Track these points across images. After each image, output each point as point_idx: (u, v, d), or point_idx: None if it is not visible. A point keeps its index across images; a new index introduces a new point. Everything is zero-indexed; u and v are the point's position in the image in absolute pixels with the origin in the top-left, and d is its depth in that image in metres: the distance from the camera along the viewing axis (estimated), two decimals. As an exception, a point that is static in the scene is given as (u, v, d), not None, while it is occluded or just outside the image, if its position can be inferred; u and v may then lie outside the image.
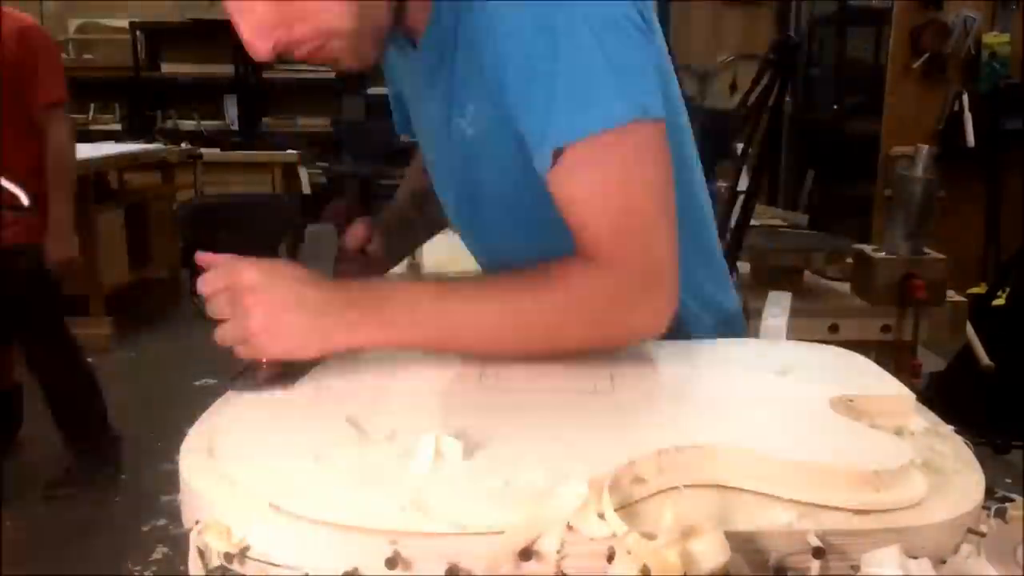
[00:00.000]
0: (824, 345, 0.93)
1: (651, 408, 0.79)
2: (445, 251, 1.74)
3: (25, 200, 2.46)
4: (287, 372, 0.80)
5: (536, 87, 0.79)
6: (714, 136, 2.49)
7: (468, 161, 0.95)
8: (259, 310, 0.78)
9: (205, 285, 0.80)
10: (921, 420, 0.74)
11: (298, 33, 0.82)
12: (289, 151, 6.12)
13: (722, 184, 2.39)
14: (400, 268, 1.57)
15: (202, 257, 0.82)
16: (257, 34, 0.81)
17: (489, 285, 0.86)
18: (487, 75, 0.85)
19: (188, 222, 3.37)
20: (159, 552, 2.45)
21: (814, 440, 0.69)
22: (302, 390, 0.80)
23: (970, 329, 2.64)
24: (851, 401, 0.75)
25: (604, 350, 0.84)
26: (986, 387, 2.74)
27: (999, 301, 3.11)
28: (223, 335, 0.81)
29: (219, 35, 6.46)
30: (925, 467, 0.65)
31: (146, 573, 2.39)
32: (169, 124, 6.55)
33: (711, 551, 0.54)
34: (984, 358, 2.69)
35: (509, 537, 0.56)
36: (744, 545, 0.57)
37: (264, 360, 0.80)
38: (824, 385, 0.80)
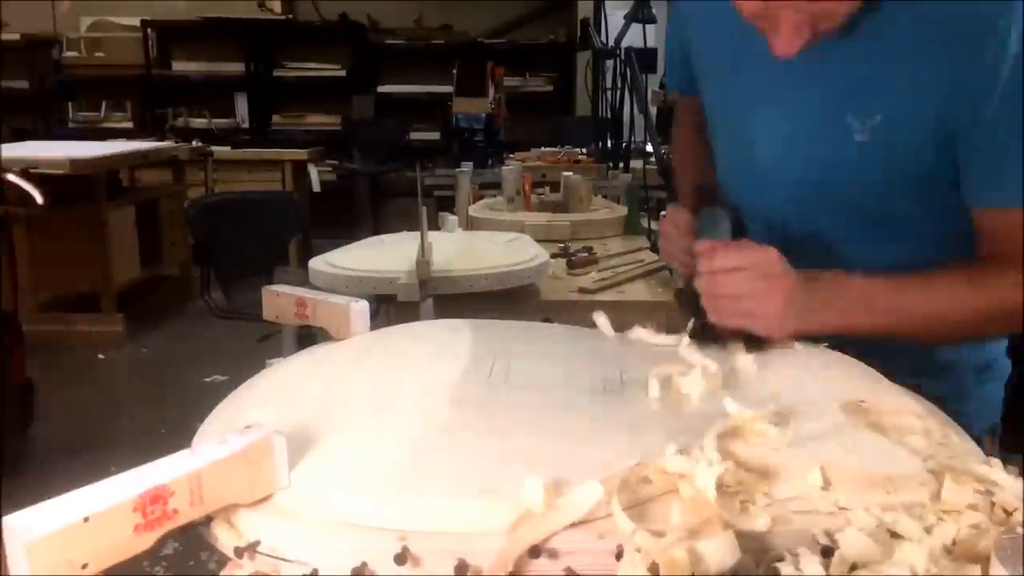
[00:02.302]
0: (818, 347, 0.92)
1: (660, 407, 0.79)
2: (454, 250, 1.75)
3: (39, 198, 2.46)
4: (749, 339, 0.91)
5: None
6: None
7: (839, 164, 0.97)
8: (782, 296, 0.87)
9: (719, 262, 0.88)
10: (932, 421, 0.74)
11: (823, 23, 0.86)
12: (299, 149, 6.13)
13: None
14: (408, 265, 1.57)
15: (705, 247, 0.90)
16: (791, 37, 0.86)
17: (932, 282, 0.91)
18: (924, 86, 0.88)
19: (198, 220, 3.38)
20: (170, 547, 2.46)
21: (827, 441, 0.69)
22: (311, 384, 0.81)
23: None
24: (862, 403, 0.75)
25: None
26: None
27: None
28: (728, 309, 0.88)
29: (230, 33, 6.48)
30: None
31: (157, 568, 2.40)
32: (180, 122, 6.57)
33: (720, 551, 0.54)
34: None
35: (519, 535, 0.56)
36: (751, 544, 0.57)
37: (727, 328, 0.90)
38: (832, 387, 0.80)
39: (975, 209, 0.92)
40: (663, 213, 1.19)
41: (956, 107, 0.87)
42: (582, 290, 1.83)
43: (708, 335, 0.91)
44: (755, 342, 0.91)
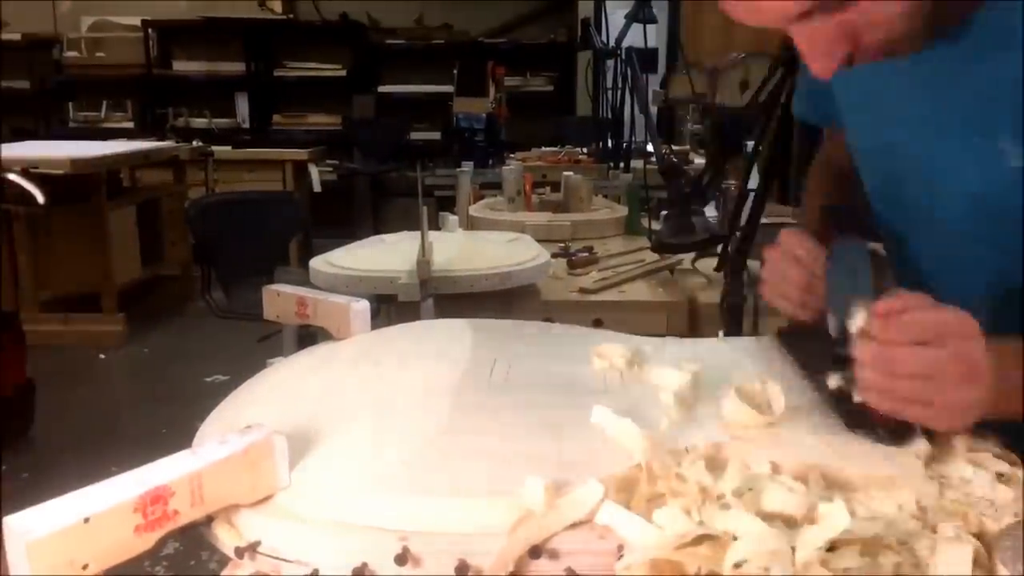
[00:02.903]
0: None
1: (661, 407, 0.79)
2: (455, 249, 1.75)
3: (41, 198, 2.45)
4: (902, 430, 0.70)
5: None
6: (725, 134, 2.48)
7: (996, 189, 0.79)
8: (981, 383, 0.66)
9: (903, 330, 0.67)
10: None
11: (858, 39, 0.71)
12: (300, 149, 6.13)
13: (732, 182, 2.38)
14: (408, 264, 1.57)
15: (887, 306, 0.68)
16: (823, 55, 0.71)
17: None
18: None
19: (198, 219, 3.39)
20: (170, 548, 2.46)
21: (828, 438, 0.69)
22: (312, 384, 0.81)
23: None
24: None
25: None
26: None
27: None
28: (903, 393, 0.67)
29: (231, 33, 6.48)
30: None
31: (157, 568, 2.40)
32: (181, 122, 6.57)
33: (721, 550, 0.54)
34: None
35: (519, 535, 0.56)
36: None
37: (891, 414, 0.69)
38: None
39: None
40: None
41: None
42: (582, 290, 1.84)
43: (862, 421, 0.70)
44: (905, 436, 0.70)
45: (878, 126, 0.90)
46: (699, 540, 0.54)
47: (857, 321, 0.70)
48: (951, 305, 0.68)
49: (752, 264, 2.39)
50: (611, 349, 0.85)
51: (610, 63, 3.39)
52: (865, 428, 0.70)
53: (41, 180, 3.80)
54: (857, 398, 0.69)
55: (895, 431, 0.69)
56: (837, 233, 0.80)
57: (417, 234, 1.63)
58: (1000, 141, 0.76)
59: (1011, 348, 0.69)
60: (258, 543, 0.59)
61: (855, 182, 0.98)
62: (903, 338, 0.67)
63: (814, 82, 0.91)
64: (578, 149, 4.33)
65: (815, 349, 0.81)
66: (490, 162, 4.25)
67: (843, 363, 0.71)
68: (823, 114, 1.03)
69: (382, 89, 6.76)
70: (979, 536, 0.58)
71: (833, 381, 0.73)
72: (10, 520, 0.49)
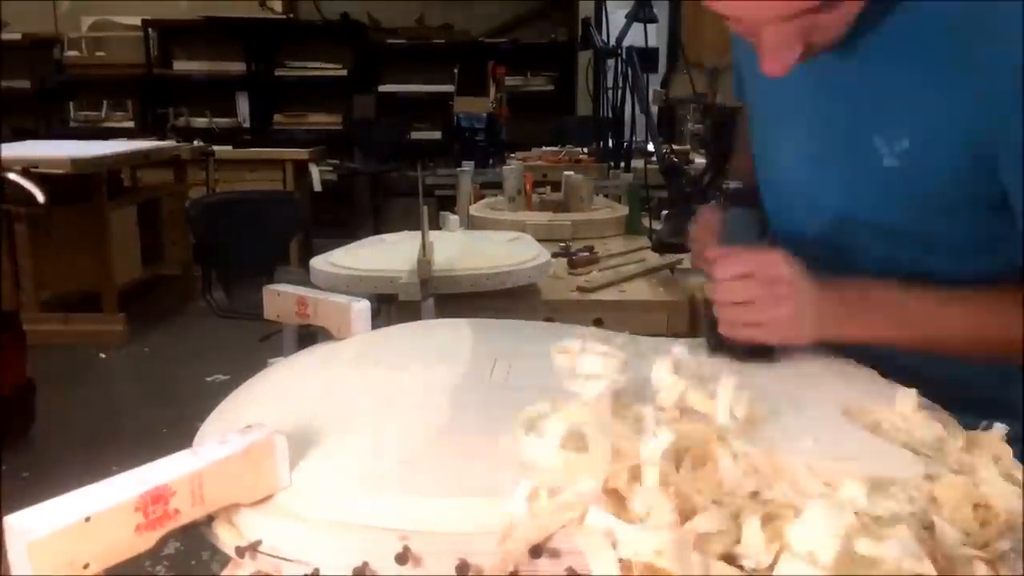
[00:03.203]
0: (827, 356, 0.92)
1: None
2: (456, 249, 1.75)
3: (41, 197, 2.46)
4: (761, 351, 0.88)
5: None
6: (725, 133, 2.48)
7: (870, 186, 0.91)
8: (791, 301, 0.83)
9: (726, 268, 0.86)
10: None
11: (815, 40, 0.82)
12: (300, 148, 6.13)
13: (732, 182, 2.38)
14: (409, 264, 1.57)
15: (713, 254, 0.88)
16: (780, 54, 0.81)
17: (977, 298, 0.87)
18: (953, 108, 0.81)
19: (199, 219, 3.38)
20: (171, 547, 2.46)
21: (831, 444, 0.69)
22: (312, 384, 0.81)
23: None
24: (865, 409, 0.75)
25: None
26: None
27: None
28: (736, 316, 0.85)
29: (231, 33, 6.49)
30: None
31: (158, 568, 2.40)
32: (181, 121, 6.57)
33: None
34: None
35: (520, 534, 0.56)
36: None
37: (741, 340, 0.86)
38: (834, 391, 0.80)
39: None
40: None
41: (986, 119, 0.80)
42: (580, 288, 1.83)
43: (723, 349, 0.89)
44: (764, 354, 0.88)
45: (772, 117, 1.02)
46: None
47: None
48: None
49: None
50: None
51: (611, 63, 3.39)
52: (722, 351, 0.89)
53: (42, 180, 3.81)
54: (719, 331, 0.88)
55: (751, 351, 0.87)
56: (731, 205, 0.98)
57: (417, 234, 1.63)
58: (874, 140, 0.87)
59: (845, 282, 0.86)
60: (259, 542, 0.59)
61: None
62: (727, 275, 0.85)
63: (738, 63, 1.13)
64: (579, 149, 4.32)
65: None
66: (491, 162, 4.25)
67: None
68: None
69: (383, 89, 6.76)
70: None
71: (708, 327, 0.90)
72: (11, 519, 0.49)
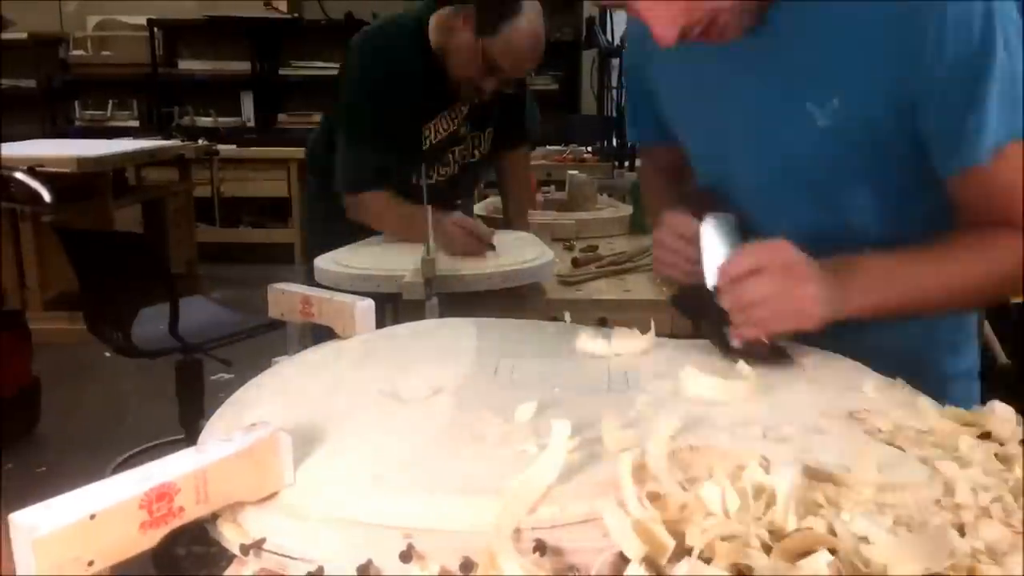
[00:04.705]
0: (814, 349, 0.92)
1: (665, 407, 0.79)
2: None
3: (47, 196, 2.45)
4: (778, 349, 0.89)
5: (979, 86, 0.84)
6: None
7: (809, 149, 0.96)
8: (811, 282, 0.84)
9: (740, 265, 0.86)
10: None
11: (695, 16, 0.86)
12: (305, 148, 6.13)
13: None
14: (413, 263, 1.57)
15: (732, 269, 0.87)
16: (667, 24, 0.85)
17: (936, 254, 0.91)
18: (874, 63, 0.87)
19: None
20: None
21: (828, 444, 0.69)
22: (317, 383, 0.81)
23: (988, 328, 2.62)
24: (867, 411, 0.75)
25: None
26: (1004, 386, 2.71)
27: (1016, 299, 3.08)
28: (760, 315, 0.85)
29: (235, 32, 6.49)
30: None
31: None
32: (186, 120, 6.57)
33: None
34: (1002, 356, 2.67)
35: (504, 522, 0.56)
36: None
37: (764, 336, 0.87)
38: (836, 390, 0.80)
39: (948, 179, 0.91)
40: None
41: (907, 77, 0.87)
42: (561, 279, 1.83)
43: (741, 352, 0.87)
44: (783, 353, 0.89)
45: (708, 110, 1.04)
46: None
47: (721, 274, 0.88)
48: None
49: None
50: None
51: (615, 61, 3.39)
52: (739, 355, 0.86)
53: (47, 179, 3.81)
54: (733, 335, 0.87)
55: (773, 350, 0.87)
56: (703, 210, 0.97)
57: (422, 233, 1.63)
58: (807, 104, 0.92)
59: (832, 260, 0.87)
60: (263, 540, 0.59)
61: (685, 176, 1.19)
62: (738, 273, 0.85)
63: (636, 106, 1.22)
64: (583, 148, 4.32)
65: (700, 306, 0.94)
66: (494, 161, 4.24)
67: (719, 311, 0.88)
68: (658, 133, 1.17)
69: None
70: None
71: (716, 324, 0.89)
72: (16, 517, 0.50)
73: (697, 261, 0.95)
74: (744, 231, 0.96)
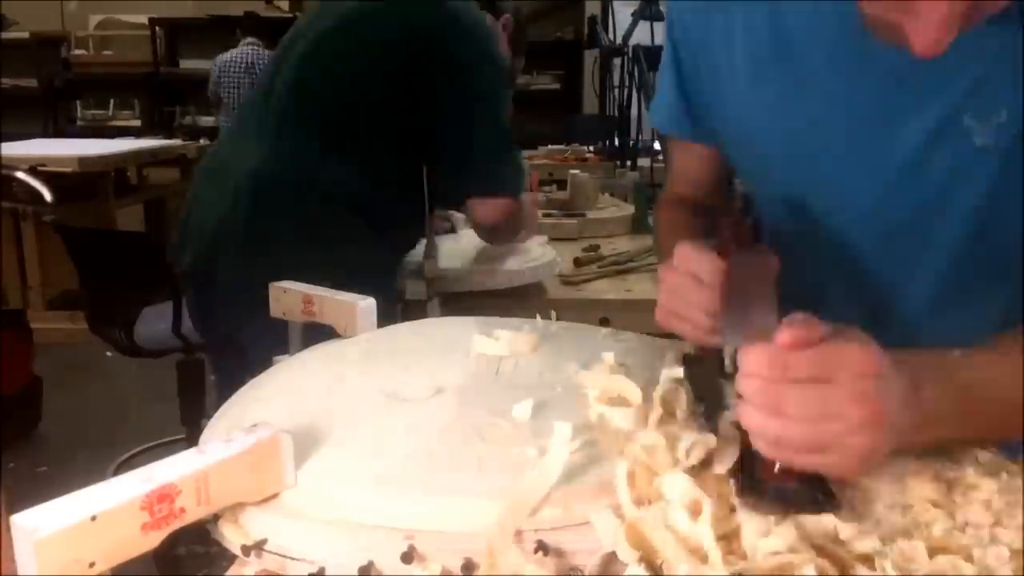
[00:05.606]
0: None
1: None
2: (461, 248, 1.75)
3: (48, 196, 2.46)
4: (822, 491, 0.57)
5: None
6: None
7: (952, 172, 0.76)
8: (877, 429, 0.55)
9: (800, 364, 0.55)
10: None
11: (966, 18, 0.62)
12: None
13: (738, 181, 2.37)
14: (415, 263, 1.57)
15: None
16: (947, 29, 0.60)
17: None
18: None
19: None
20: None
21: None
22: (318, 383, 0.81)
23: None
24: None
25: None
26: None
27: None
28: (795, 440, 0.55)
29: (237, 31, 6.49)
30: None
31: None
32: (188, 120, 6.58)
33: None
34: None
35: (503, 523, 0.56)
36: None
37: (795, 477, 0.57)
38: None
39: None
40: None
41: None
42: (564, 279, 1.83)
43: (759, 486, 0.57)
44: (829, 497, 0.56)
45: (805, 103, 0.82)
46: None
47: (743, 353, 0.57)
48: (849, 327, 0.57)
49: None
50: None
51: (617, 61, 3.39)
52: (757, 495, 0.55)
53: (49, 178, 3.82)
54: (757, 464, 0.57)
55: (813, 497, 0.56)
56: (733, 244, 0.71)
57: (423, 232, 1.63)
58: (965, 119, 0.73)
59: (915, 359, 0.61)
60: (264, 541, 0.59)
61: (713, 199, 1.00)
62: (790, 374, 0.55)
63: (688, 95, 0.94)
64: (585, 147, 4.32)
65: (710, 385, 0.69)
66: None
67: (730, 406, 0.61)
68: (698, 127, 0.96)
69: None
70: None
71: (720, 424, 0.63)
72: (17, 518, 0.49)
73: (715, 313, 0.70)
74: (795, 280, 0.70)
